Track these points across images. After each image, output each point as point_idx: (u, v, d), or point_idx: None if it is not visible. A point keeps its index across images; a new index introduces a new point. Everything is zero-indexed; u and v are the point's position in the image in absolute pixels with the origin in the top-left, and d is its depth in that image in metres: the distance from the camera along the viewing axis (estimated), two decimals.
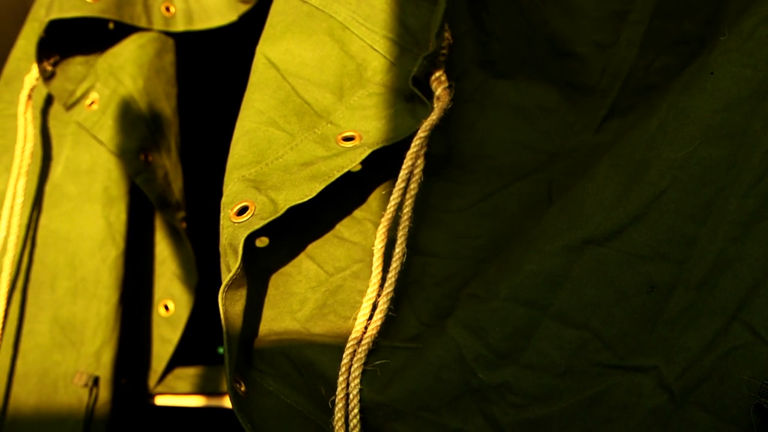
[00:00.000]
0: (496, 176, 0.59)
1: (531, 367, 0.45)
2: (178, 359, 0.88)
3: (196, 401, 0.84)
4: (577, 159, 0.58)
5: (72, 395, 0.75)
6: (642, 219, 0.45)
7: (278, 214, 0.49)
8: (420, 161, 0.53)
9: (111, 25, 0.82)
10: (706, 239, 0.44)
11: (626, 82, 0.60)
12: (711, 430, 0.42)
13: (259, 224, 0.48)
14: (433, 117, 0.53)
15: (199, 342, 0.92)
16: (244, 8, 0.83)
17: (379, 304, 0.50)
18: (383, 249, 0.51)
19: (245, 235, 0.48)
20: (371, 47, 0.57)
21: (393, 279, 0.51)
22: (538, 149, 0.60)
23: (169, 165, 0.85)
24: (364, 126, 0.53)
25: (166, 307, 0.86)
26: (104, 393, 0.76)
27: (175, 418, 0.90)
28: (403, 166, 0.52)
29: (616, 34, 0.60)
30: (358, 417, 0.47)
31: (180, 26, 0.85)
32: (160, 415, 0.88)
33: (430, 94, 0.55)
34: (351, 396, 0.47)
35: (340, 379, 0.48)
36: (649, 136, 0.46)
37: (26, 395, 0.75)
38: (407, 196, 0.53)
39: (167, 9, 0.84)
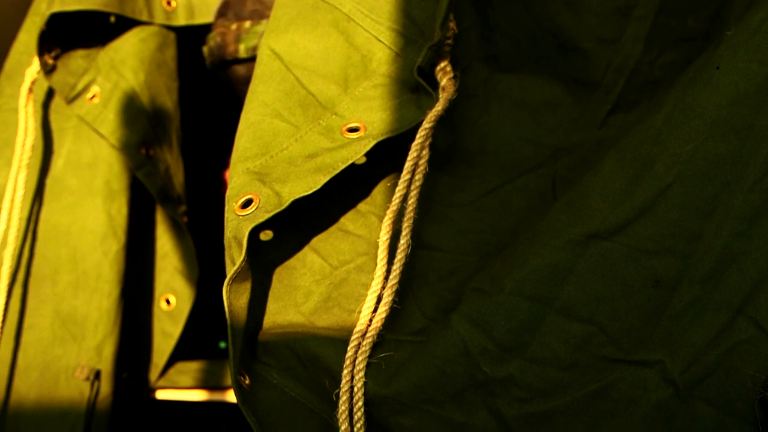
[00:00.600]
0: (501, 171, 0.59)
1: (536, 360, 0.45)
2: (180, 354, 0.88)
3: (198, 395, 0.84)
4: (581, 154, 0.58)
5: (73, 389, 0.75)
6: (647, 213, 0.45)
7: (282, 207, 0.48)
8: (425, 152, 0.53)
9: (112, 19, 0.82)
10: (712, 234, 0.44)
11: (631, 77, 0.60)
12: (715, 424, 0.42)
13: (263, 217, 0.48)
14: (438, 108, 0.52)
15: (201, 337, 0.92)
16: None
17: (384, 296, 0.50)
18: (388, 241, 0.51)
19: (250, 228, 0.48)
20: (376, 38, 0.57)
21: (398, 271, 0.50)
22: (542, 144, 0.60)
23: (171, 159, 0.85)
24: (369, 117, 0.53)
25: (168, 301, 0.86)
26: (106, 387, 0.76)
27: (176, 413, 0.90)
28: (408, 157, 0.52)
29: (621, 30, 0.60)
30: (362, 410, 0.47)
31: (181, 20, 0.85)
32: (161, 410, 0.88)
33: (435, 85, 0.55)
34: (355, 389, 0.47)
35: (345, 372, 0.48)
36: (655, 130, 0.46)
37: (27, 389, 0.75)
38: (412, 187, 0.52)
39: (168, 3, 0.84)
